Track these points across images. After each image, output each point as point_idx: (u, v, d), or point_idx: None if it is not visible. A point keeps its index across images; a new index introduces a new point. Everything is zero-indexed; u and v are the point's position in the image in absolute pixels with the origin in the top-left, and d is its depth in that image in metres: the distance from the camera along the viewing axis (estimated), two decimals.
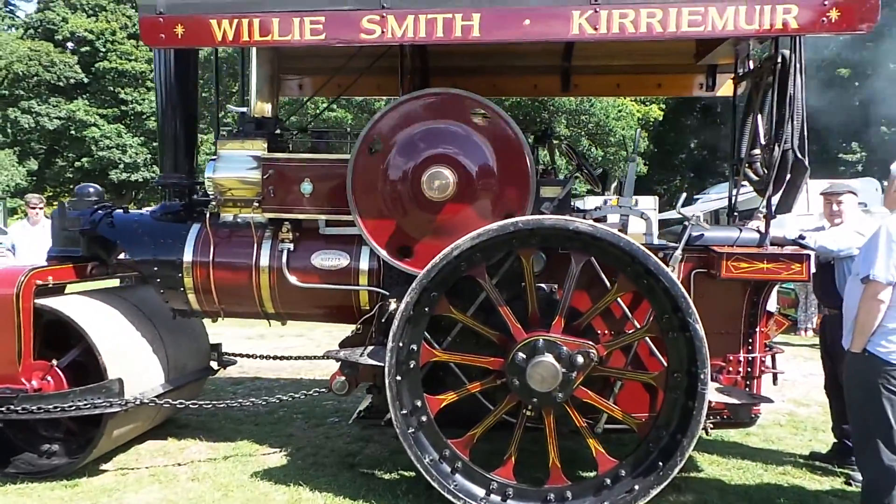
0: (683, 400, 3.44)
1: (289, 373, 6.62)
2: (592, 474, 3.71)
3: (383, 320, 3.77)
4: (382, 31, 3.42)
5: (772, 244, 3.80)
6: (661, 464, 3.42)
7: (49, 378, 4.02)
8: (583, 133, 24.60)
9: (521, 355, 3.47)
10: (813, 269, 4.83)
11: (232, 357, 5.22)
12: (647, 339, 3.74)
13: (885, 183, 3.46)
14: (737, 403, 3.49)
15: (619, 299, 3.73)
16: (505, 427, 3.68)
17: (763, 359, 3.86)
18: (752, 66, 4.19)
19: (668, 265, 3.63)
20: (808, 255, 3.61)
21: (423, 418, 3.62)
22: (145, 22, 3.56)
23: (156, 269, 4.16)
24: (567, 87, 5.09)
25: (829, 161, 24.75)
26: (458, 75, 5.09)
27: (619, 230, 3.77)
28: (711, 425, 3.89)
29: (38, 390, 3.93)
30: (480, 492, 3.56)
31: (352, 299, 4.06)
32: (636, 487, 3.43)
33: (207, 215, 4.13)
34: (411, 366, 3.59)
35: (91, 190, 4.50)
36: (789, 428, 5.08)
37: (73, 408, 3.76)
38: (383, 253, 3.80)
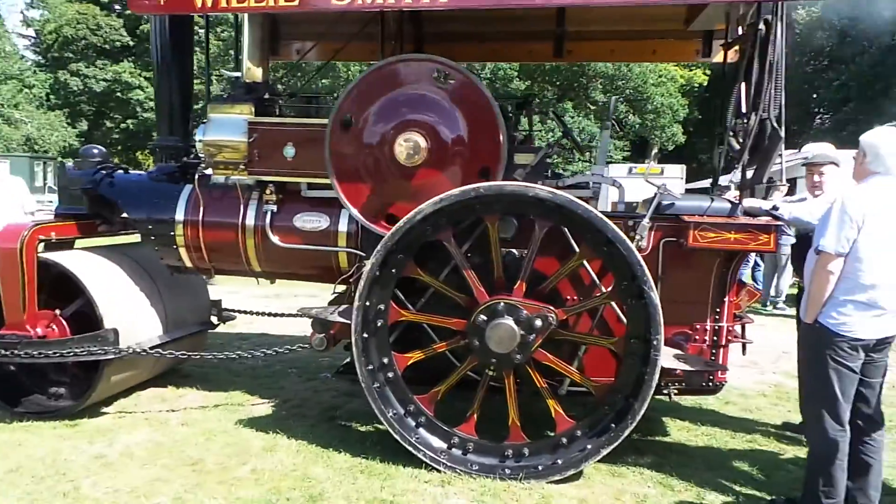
0: (639, 365, 3.51)
1: (295, 329, 6.88)
2: (553, 434, 3.83)
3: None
4: None
5: (746, 214, 3.79)
6: (613, 425, 3.53)
7: (54, 326, 4.33)
8: (620, 99, 24.03)
9: (483, 317, 3.59)
10: (793, 240, 4.80)
11: (232, 312, 5.48)
12: (613, 305, 3.80)
13: None
14: (690, 370, 3.54)
15: (587, 265, 3.79)
16: (476, 386, 3.82)
17: (731, 328, 3.88)
18: (740, 33, 4.11)
19: (636, 233, 3.69)
20: (776, 226, 3.59)
21: (390, 374, 3.79)
22: None
23: (150, 227, 4.41)
24: (560, 52, 5.05)
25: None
26: (453, 41, 5.15)
27: (588, 199, 3.84)
28: (676, 391, 3.96)
29: (42, 337, 4.25)
30: (442, 445, 3.74)
31: (331, 260, 4.23)
32: (588, 447, 3.55)
33: (196, 176, 4.32)
34: (379, 324, 3.75)
35: (95, 151, 4.75)
36: (772, 398, 5.09)
37: (71, 353, 4.07)
38: (359, 216, 3.94)
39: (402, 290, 3.88)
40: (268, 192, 4.20)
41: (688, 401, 4.88)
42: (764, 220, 3.69)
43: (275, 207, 4.21)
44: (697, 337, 3.87)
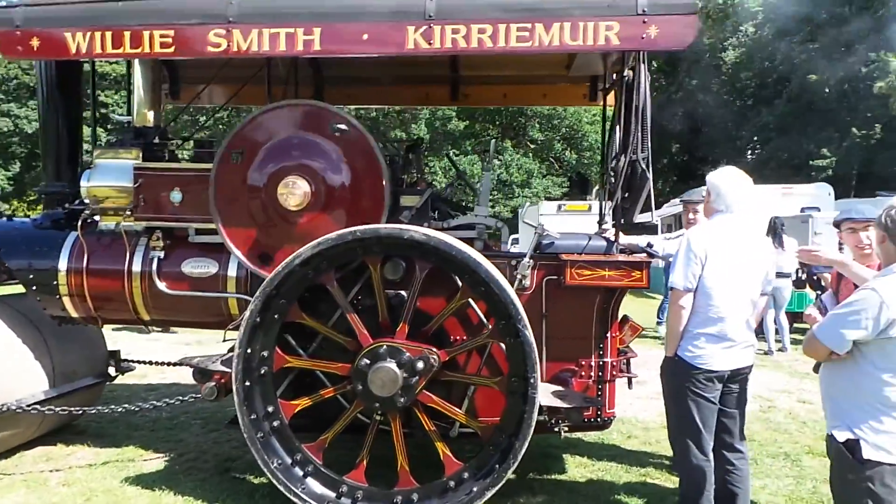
0: (520, 404, 3.53)
1: None
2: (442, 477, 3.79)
3: None
4: (228, 45, 3.53)
5: (624, 252, 3.92)
6: (497, 466, 3.53)
7: None
8: (556, 137, 24.77)
9: (365, 361, 3.57)
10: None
11: (131, 363, 5.31)
12: (501, 344, 3.83)
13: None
14: (566, 407, 3.59)
15: (474, 305, 3.83)
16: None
17: (615, 363, 3.97)
18: (614, 78, 4.31)
19: (518, 272, 3.77)
20: (648, 263, 3.72)
21: (276, 423, 3.71)
22: (3, 35, 3.67)
23: (31, 276, 4.26)
24: (456, 96, 5.20)
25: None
26: (351, 84, 5.24)
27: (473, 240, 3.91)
28: (566, 428, 3.99)
29: None
30: (331, 494, 3.65)
31: (222, 306, 4.16)
32: (475, 489, 3.52)
33: (79, 223, 4.21)
34: (262, 372, 3.68)
35: None
36: None
37: None
38: (244, 260, 3.90)
39: (297, 334, 3.84)
40: (154, 238, 4.13)
41: (591, 436, 4.93)
42: (638, 256, 3.82)
43: (162, 254, 4.13)
44: (583, 373, 3.93)
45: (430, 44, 3.42)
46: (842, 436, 2.41)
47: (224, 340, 4.20)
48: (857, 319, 2.32)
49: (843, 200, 14.53)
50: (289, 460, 3.69)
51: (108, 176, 4.18)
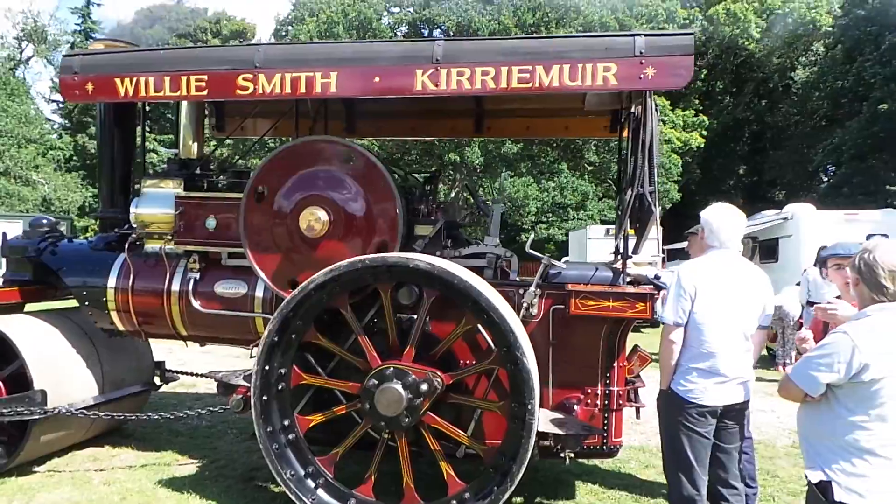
0: (520, 429, 3.65)
1: None
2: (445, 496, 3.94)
3: None
4: (255, 88, 3.86)
5: (632, 283, 3.99)
6: (496, 488, 3.65)
7: None
8: (614, 160, 24.51)
9: (374, 381, 3.78)
10: None
11: (174, 373, 5.71)
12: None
13: None
14: (564, 434, 3.67)
15: (483, 331, 3.98)
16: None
17: (622, 393, 4.02)
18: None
19: (525, 301, 3.91)
20: (653, 295, 3.78)
21: (292, 436, 3.97)
22: (63, 81, 4.14)
23: (84, 293, 4.71)
24: (480, 129, 5.40)
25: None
26: (380, 118, 5.52)
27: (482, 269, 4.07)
28: (572, 454, 4.06)
29: None
30: None
31: (249, 325, 4.47)
32: None
33: (127, 245, 4.63)
34: (280, 388, 3.95)
35: (44, 221, 5.11)
36: None
37: None
38: (269, 282, 4.20)
39: (318, 353, 4.08)
40: (192, 260, 4.49)
41: (607, 464, 4.96)
42: (644, 288, 3.88)
43: (198, 275, 4.49)
44: (589, 401, 4.01)
45: (436, 86, 3.64)
46: (815, 476, 2.43)
47: (251, 357, 4.50)
48: (829, 363, 2.35)
49: None
50: (302, 472, 3.93)
51: (154, 203, 4.59)
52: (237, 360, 8.36)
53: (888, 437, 2.32)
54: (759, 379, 7.86)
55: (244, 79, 3.85)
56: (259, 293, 4.41)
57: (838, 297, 3.26)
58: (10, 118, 28.46)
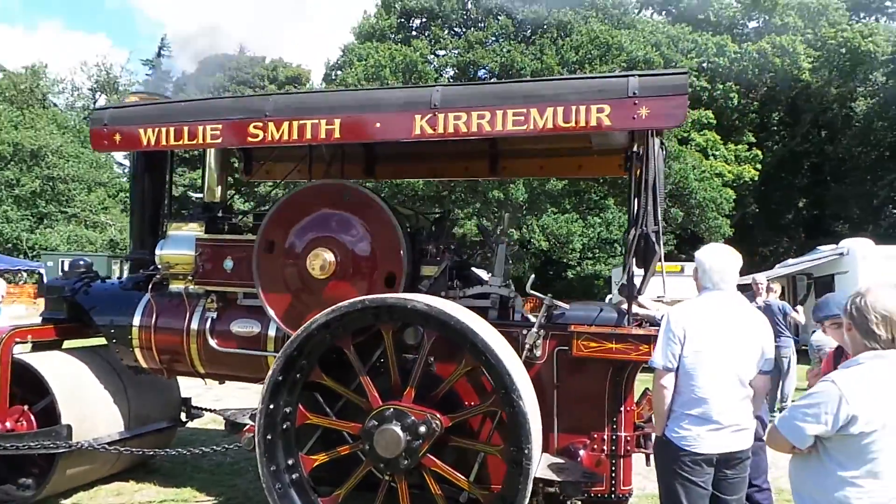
0: (517, 473, 3.58)
1: None
2: None
3: None
4: (264, 135, 4.03)
5: (639, 324, 3.91)
6: None
7: (23, 421, 4.82)
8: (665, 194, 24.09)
9: (373, 422, 3.79)
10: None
11: (201, 410, 5.87)
12: None
13: None
14: (562, 481, 3.57)
15: (487, 373, 3.96)
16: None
17: (629, 438, 3.90)
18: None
19: (527, 342, 3.88)
20: (657, 337, 3.68)
21: (295, 475, 4.01)
22: (94, 132, 4.44)
23: (112, 330, 4.93)
24: (495, 170, 5.45)
25: None
26: (398, 160, 5.65)
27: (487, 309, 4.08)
28: (580, 502, 3.96)
29: (10, 430, 4.73)
30: None
31: (262, 363, 4.58)
32: None
33: (150, 285, 4.85)
34: (285, 427, 4.01)
35: (81, 263, 5.41)
36: None
37: (26, 447, 4.51)
38: (279, 322, 4.31)
39: (327, 393, 4.13)
40: (210, 300, 4.66)
41: None
42: (650, 329, 3.80)
43: (215, 314, 4.66)
44: (595, 446, 3.91)
45: (434, 130, 3.73)
46: None
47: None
48: (816, 413, 2.23)
49: None
50: None
51: (177, 245, 4.81)
52: None
53: (881, 496, 2.17)
54: None
55: (255, 127, 4.04)
56: (272, 332, 4.52)
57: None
58: (83, 164, 30.33)
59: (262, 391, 3.94)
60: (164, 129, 4.23)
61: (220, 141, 4.15)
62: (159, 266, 4.89)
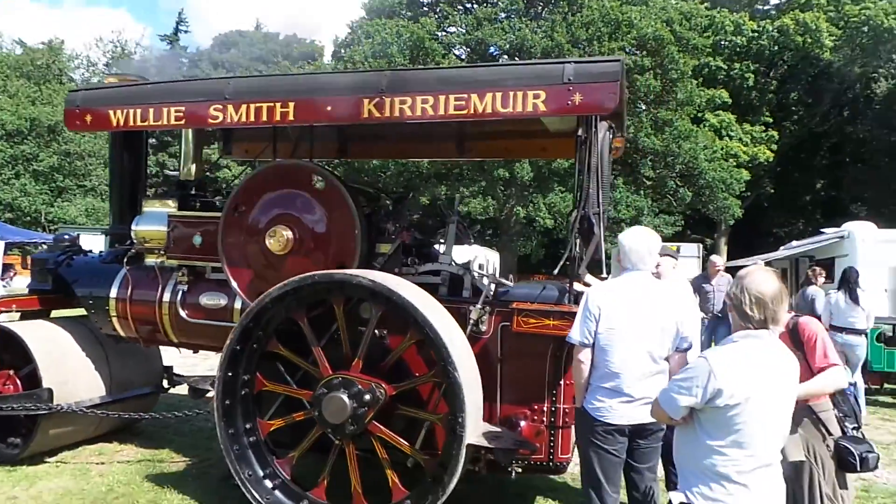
0: (452, 440, 3.78)
1: None
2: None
3: None
4: (224, 117, 4.22)
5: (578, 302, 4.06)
6: (430, 497, 3.79)
7: (10, 385, 5.12)
8: (671, 174, 23.97)
9: (323, 390, 4.02)
10: None
11: (182, 377, 6.15)
12: None
13: None
14: (495, 448, 3.76)
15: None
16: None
17: (568, 410, 4.07)
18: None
19: (473, 318, 4.06)
20: None
21: (253, 438, 4.26)
22: (67, 112, 4.65)
23: (91, 301, 5.20)
24: (462, 150, 5.58)
25: None
26: (370, 141, 5.80)
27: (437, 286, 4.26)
28: (519, 469, 4.14)
29: None
30: None
31: (229, 334, 4.81)
32: None
33: (126, 259, 5.09)
34: (244, 393, 4.25)
35: (66, 237, 5.68)
36: None
37: (9, 408, 4.81)
38: (242, 295, 4.54)
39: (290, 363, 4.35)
40: (181, 274, 4.90)
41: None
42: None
43: (186, 287, 4.89)
44: (535, 417, 4.09)
45: (381, 113, 3.88)
46: (676, 498, 2.47)
47: None
48: (688, 386, 2.39)
49: None
50: (261, 473, 4.21)
51: (151, 221, 5.04)
52: None
53: (745, 464, 2.33)
54: None
55: (215, 109, 4.22)
56: (237, 305, 4.74)
57: None
58: (98, 139, 30.80)
59: (220, 359, 4.18)
60: (132, 111, 4.43)
61: (183, 122, 4.34)
62: (135, 241, 5.13)
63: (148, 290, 5.02)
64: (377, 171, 22.09)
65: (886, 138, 31.07)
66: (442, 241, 4.45)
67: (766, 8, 33.84)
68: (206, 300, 4.84)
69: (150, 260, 5.12)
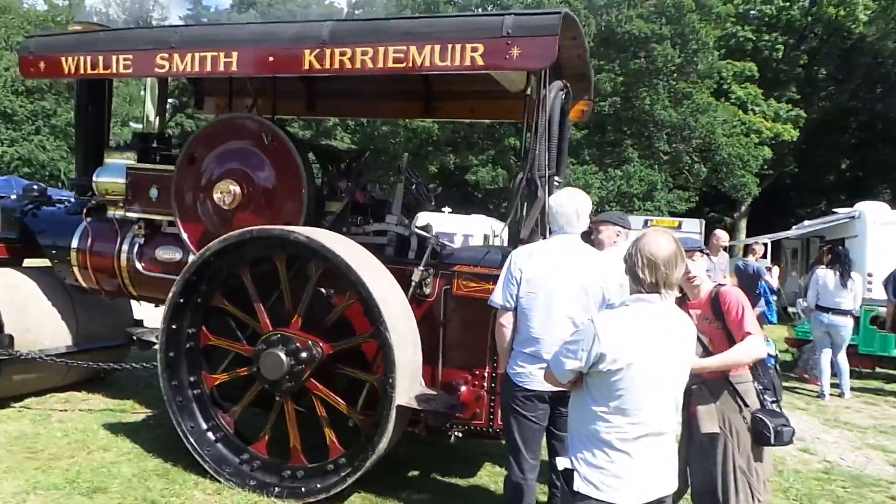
0: (385, 400, 3.76)
1: None
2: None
3: None
4: (170, 66, 4.15)
5: None
6: (361, 455, 3.79)
7: None
8: (688, 149, 23.43)
9: (262, 346, 4.01)
10: None
11: (147, 329, 6.21)
12: None
13: None
14: (425, 410, 3.73)
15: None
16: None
17: None
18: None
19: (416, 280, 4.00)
20: None
21: (197, 391, 4.29)
22: (21, 59, 4.62)
23: (53, 252, 5.24)
24: (429, 110, 5.45)
25: None
26: (337, 97, 5.70)
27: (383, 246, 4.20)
28: (459, 433, 4.12)
29: None
30: (234, 459, 4.15)
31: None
32: (343, 474, 3.83)
33: (84, 211, 5.10)
34: (189, 346, 4.27)
35: (35, 188, 5.71)
36: None
37: None
38: (192, 248, 4.52)
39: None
40: (138, 227, 4.90)
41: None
42: None
43: (143, 240, 4.90)
44: (475, 382, 4.05)
45: (322, 65, 3.77)
46: (562, 464, 2.42)
47: None
48: (575, 350, 2.32)
49: None
50: (204, 426, 4.24)
51: (112, 173, 5.03)
52: None
53: (629, 431, 2.26)
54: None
55: (161, 58, 4.15)
56: (192, 259, 4.73)
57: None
58: (117, 98, 30.95)
59: (163, 311, 4.18)
60: (82, 58, 4.38)
61: (130, 71, 4.28)
62: (96, 192, 5.13)
63: (107, 243, 5.04)
64: (387, 137, 21.93)
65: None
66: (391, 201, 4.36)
67: None
68: (162, 254, 4.85)
69: (111, 212, 5.12)
